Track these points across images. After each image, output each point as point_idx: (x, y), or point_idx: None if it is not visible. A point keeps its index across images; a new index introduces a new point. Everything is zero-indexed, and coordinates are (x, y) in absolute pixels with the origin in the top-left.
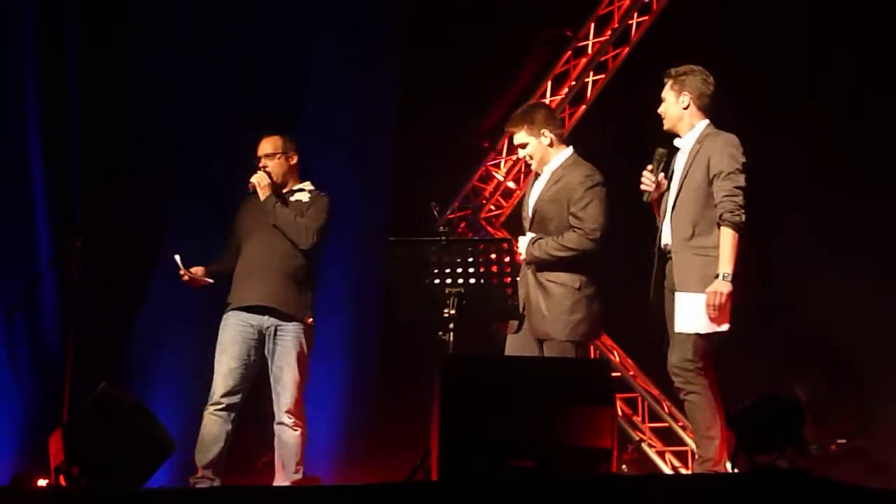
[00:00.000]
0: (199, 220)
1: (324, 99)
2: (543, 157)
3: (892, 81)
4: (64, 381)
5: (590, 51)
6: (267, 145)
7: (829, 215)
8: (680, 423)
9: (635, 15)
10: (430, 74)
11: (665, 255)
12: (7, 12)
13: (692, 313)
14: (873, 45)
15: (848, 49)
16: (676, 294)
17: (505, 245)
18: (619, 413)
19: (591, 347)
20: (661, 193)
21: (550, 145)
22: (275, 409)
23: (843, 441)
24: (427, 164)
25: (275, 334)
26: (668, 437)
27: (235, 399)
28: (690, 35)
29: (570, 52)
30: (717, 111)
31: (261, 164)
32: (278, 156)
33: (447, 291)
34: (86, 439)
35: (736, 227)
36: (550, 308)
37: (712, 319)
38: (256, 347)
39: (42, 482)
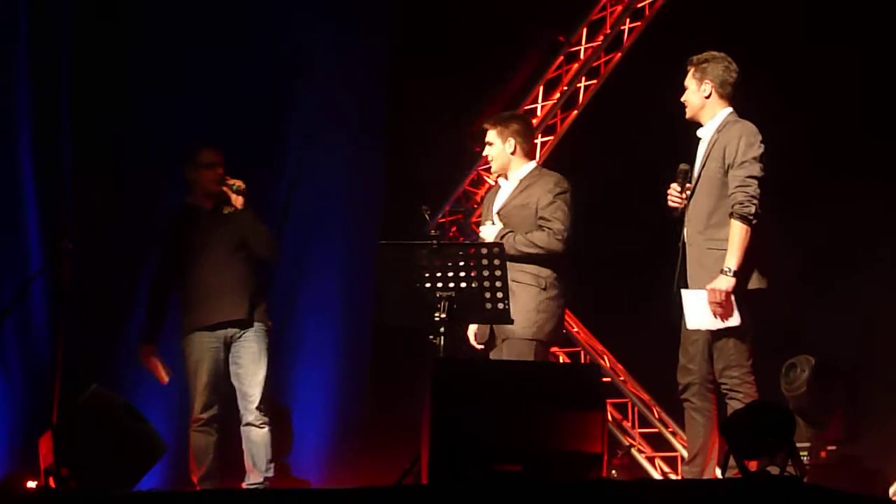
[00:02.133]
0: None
1: (314, 102)
2: (504, 163)
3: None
4: (54, 383)
5: (582, 56)
6: (207, 155)
7: (820, 217)
8: (670, 429)
9: (627, 20)
10: (422, 77)
11: (685, 249)
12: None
13: (698, 310)
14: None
15: (847, 57)
16: (682, 292)
17: (496, 249)
18: (609, 418)
19: (582, 353)
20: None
21: (513, 153)
22: (241, 411)
23: (834, 448)
24: (418, 167)
25: (238, 338)
26: (658, 443)
27: (214, 411)
28: (683, 40)
29: (562, 58)
30: (741, 99)
31: (199, 172)
32: (219, 167)
33: (438, 295)
34: (76, 441)
35: (745, 219)
36: (515, 306)
37: (718, 315)
38: (224, 358)
39: (32, 484)
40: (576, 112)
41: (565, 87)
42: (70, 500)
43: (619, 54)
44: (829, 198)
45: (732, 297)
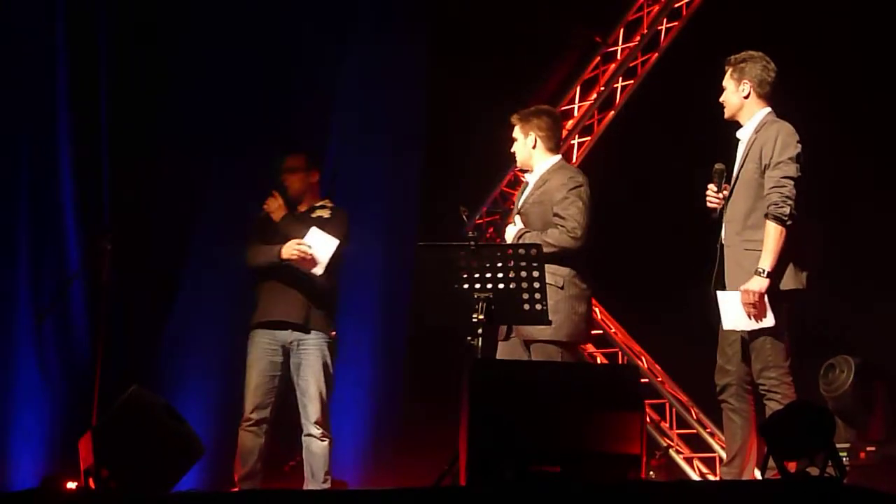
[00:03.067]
0: (230, 224)
1: (353, 103)
2: (526, 157)
3: None
4: (93, 383)
5: (619, 56)
6: (291, 160)
7: (859, 217)
8: (708, 430)
9: (664, 21)
10: (459, 77)
11: (724, 250)
12: (38, 9)
13: (733, 311)
14: None
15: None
16: (718, 293)
17: (534, 251)
18: (648, 419)
19: (619, 353)
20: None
21: (533, 147)
22: (302, 421)
23: (874, 448)
24: (456, 169)
25: (298, 348)
26: (696, 444)
27: (265, 413)
28: (720, 40)
29: (598, 58)
30: (781, 99)
31: (282, 178)
32: (300, 171)
33: (476, 296)
34: (115, 442)
35: (779, 219)
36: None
37: (752, 316)
38: (282, 362)
39: (72, 485)
40: (613, 112)
41: (602, 88)
42: (110, 501)
43: (657, 54)
44: (869, 198)
45: (766, 298)
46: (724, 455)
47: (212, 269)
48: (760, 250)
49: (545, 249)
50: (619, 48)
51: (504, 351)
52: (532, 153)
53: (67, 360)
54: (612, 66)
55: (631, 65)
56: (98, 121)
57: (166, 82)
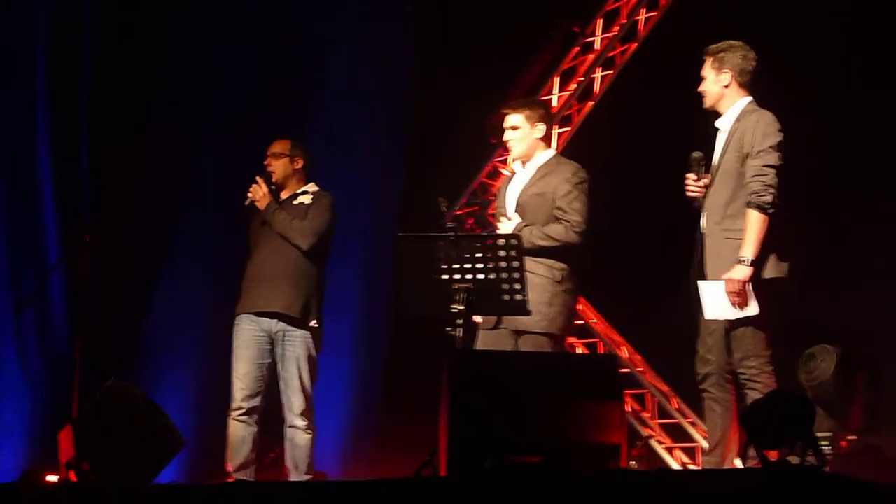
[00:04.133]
0: (210, 216)
1: (336, 93)
2: (529, 148)
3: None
4: (73, 376)
5: (598, 46)
6: (276, 145)
7: (841, 206)
8: (689, 420)
9: (643, 11)
10: (438, 68)
11: (704, 240)
12: (19, 4)
13: (716, 300)
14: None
15: (871, 47)
16: (700, 283)
17: (513, 240)
18: (628, 409)
19: (600, 343)
20: None
21: (541, 139)
22: (286, 412)
23: (855, 437)
24: (435, 160)
25: (283, 339)
26: (677, 433)
27: (255, 402)
28: (699, 30)
29: (577, 48)
30: (760, 89)
31: (265, 163)
32: (284, 157)
33: (455, 287)
34: (96, 434)
35: (761, 208)
36: (532, 298)
37: (736, 305)
38: (269, 350)
39: (52, 478)
40: (591, 103)
41: (581, 78)
42: (91, 494)
43: (635, 45)
44: (852, 187)
45: (749, 287)
46: (705, 444)
47: (192, 261)
48: (740, 239)
49: (546, 243)
50: (598, 38)
51: (488, 341)
52: (537, 144)
53: (47, 353)
54: (591, 56)
55: (609, 55)
56: (77, 112)
57: (147, 73)
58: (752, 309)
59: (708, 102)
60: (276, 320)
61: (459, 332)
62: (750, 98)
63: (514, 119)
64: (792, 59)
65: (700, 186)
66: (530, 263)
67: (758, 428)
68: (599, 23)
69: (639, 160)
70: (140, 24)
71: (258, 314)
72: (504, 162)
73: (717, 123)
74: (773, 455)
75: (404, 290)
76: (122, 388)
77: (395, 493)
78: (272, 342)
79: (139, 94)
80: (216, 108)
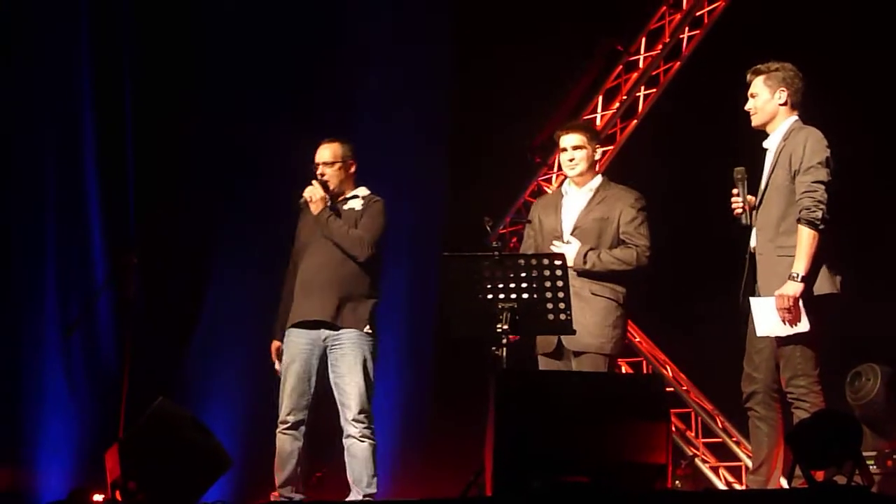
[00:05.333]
0: (253, 233)
1: (377, 113)
2: (587, 170)
3: None
4: (120, 396)
5: (641, 65)
6: (326, 153)
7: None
8: (734, 439)
9: (686, 29)
10: (483, 88)
11: (754, 259)
12: (61, 29)
13: (766, 317)
14: None
15: None
16: (751, 299)
17: (557, 260)
18: (673, 428)
19: (644, 363)
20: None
21: (596, 161)
22: (342, 422)
23: None
24: (479, 179)
25: (332, 346)
26: (722, 453)
27: (301, 416)
28: (743, 49)
29: (621, 67)
30: (808, 107)
31: (318, 172)
32: (338, 164)
33: (500, 306)
34: (142, 454)
35: (812, 224)
36: (594, 321)
37: (787, 321)
38: (318, 363)
39: (99, 497)
40: (635, 121)
41: (624, 97)
42: None
43: (679, 63)
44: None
45: (801, 303)
46: (749, 464)
47: (237, 279)
48: (793, 256)
49: (617, 268)
50: (642, 57)
51: (550, 364)
52: (594, 167)
53: (94, 373)
54: (635, 74)
55: (653, 73)
56: (124, 135)
57: (190, 91)
58: (804, 325)
59: (759, 120)
60: (321, 329)
61: (504, 352)
62: (796, 117)
63: (576, 139)
64: (834, 77)
65: (741, 203)
66: (595, 286)
67: (804, 447)
68: (643, 41)
69: (681, 178)
70: (183, 34)
71: (307, 325)
72: (548, 181)
73: (765, 143)
74: (819, 475)
75: (450, 309)
76: (169, 408)
77: None
78: (323, 353)
79: (183, 109)
80: (259, 120)
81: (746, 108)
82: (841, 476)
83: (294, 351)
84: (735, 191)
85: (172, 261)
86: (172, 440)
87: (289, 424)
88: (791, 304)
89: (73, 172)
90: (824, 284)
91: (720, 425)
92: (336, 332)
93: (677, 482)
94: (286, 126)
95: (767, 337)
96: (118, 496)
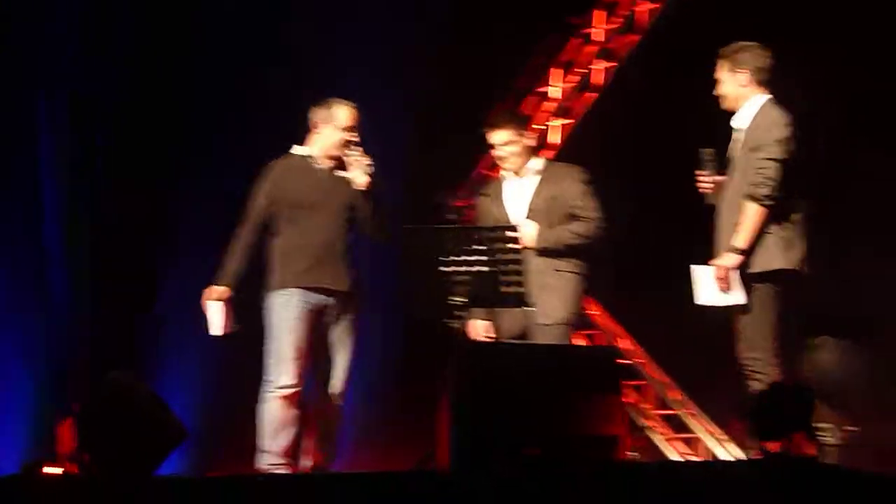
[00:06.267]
0: (212, 206)
1: (334, 87)
2: (521, 160)
3: None
4: (75, 369)
5: (598, 38)
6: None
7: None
8: (690, 412)
9: (645, 2)
10: (437, 61)
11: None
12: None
13: (704, 285)
14: None
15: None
16: (691, 267)
17: (513, 232)
18: (628, 400)
19: (600, 335)
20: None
21: (531, 147)
22: (330, 391)
23: (855, 428)
24: (436, 152)
25: (336, 317)
26: (677, 425)
27: (299, 383)
28: (702, 22)
29: (579, 40)
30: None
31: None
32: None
33: (456, 279)
34: (97, 427)
35: (756, 199)
36: (560, 295)
37: (722, 291)
38: (316, 330)
39: (53, 470)
40: (594, 95)
41: (582, 70)
42: (91, 486)
43: (638, 36)
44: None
45: (736, 275)
46: (704, 436)
47: (195, 251)
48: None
49: (576, 242)
50: (600, 29)
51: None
52: (531, 153)
53: (49, 345)
54: (592, 47)
55: (610, 47)
56: (78, 104)
57: (148, 63)
58: (739, 298)
59: (727, 104)
60: (326, 296)
61: (460, 324)
62: (769, 96)
63: (503, 136)
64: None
65: (709, 183)
66: (558, 262)
67: (758, 419)
68: (600, 15)
69: (636, 151)
70: (155, 36)
71: (313, 290)
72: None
73: (733, 123)
74: (773, 446)
75: (412, 283)
76: (124, 380)
77: (398, 486)
78: (321, 320)
79: (146, 86)
80: (219, 102)
81: (716, 92)
82: (792, 447)
83: (301, 309)
84: (702, 171)
85: (130, 232)
86: (128, 412)
87: (289, 391)
88: (724, 274)
89: (27, 142)
90: (776, 260)
91: (676, 397)
92: (345, 307)
93: (632, 454)
94: (246, 102)
95: (706, 305)
96: (73, 469)
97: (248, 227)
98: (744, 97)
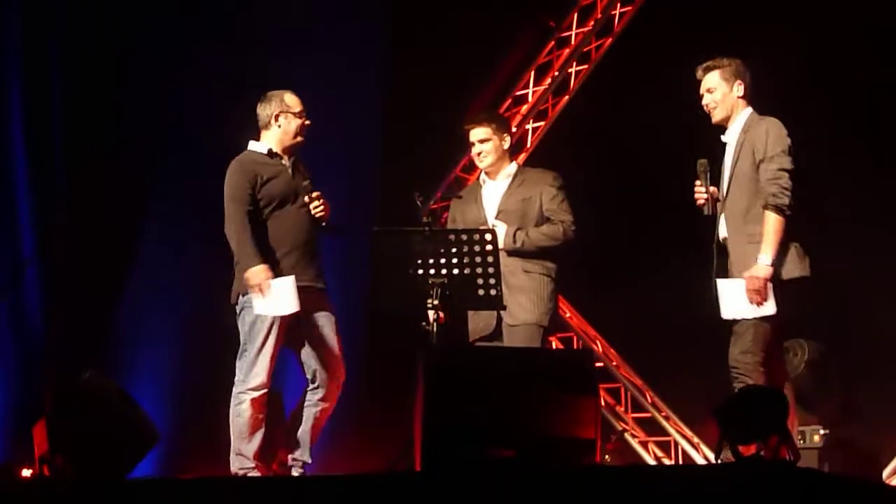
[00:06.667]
0: (184, 201)
1: (308, 89)
2: (500, 159)
3: None
4: (47, 370)
5: (573, 41)
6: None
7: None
8: (663, 414)
9: (618, 5)
10: (413, 62)
11: (723, 249)
12: None
13: (734, 299)
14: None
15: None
16: (718, 281)
17: (488, 235)
18: (602, 403)
19: (574, 338)
20: (717, 201)
21: (507, 150)
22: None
23: (828, 431)
24: (412, 154)
25: (314, 313)
26: (651, 428)
27: (269, 384)
28: (674, 26)
29: (553, 43)
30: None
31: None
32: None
33: (430, 282)
34: (70, 428)
35: (779, 209)
36: (528, 297)
37: (755, 303)
38: (293, 329)
39: (26, 472)
40: (567, 97)
41: (556, 73)
42: (65, 488)
43: (611, 39)
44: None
45: (770, 286)
46: (679, 438)
47: (167, 253)
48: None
49: (546, 244)
50: (574, 33)
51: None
52: (505, 155)
53: (21, 346)
54: (566, 50)
55: (585, 50)
56: (50, 101)
57: (118, 66)
58: (770, 308)
59: (720, 115)
60: (305, 294)
61: (434, 328)
62: (751, 109)
63: (481, 132)
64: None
65: (705, 194)
66: (527, 264)
67: (731, 423)
68: (575, 17)
69: (610, 154)
70: (115, 19)
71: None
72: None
73: (724, 137)
74: (746, 450)
75: (380, 285)
76: (97, 381)
77: (368, 488)
78: (296, 319)
79: (110, 84)
80: (189, 104)
81: (704, 103)
82: (766, 451)
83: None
84: (698, 182)
85: (101, 234)
86: (100, 414)
87: (264, 391)
88: (761, 285)
89: (0, 144)
90: (794, 268)
91: (650, 400)
92: (322, 302)
93: (606, 457)
94: (215, 107)
95: (736, 318)
96: (46, 470)
97: (242, 211)
98: (736, 110)
